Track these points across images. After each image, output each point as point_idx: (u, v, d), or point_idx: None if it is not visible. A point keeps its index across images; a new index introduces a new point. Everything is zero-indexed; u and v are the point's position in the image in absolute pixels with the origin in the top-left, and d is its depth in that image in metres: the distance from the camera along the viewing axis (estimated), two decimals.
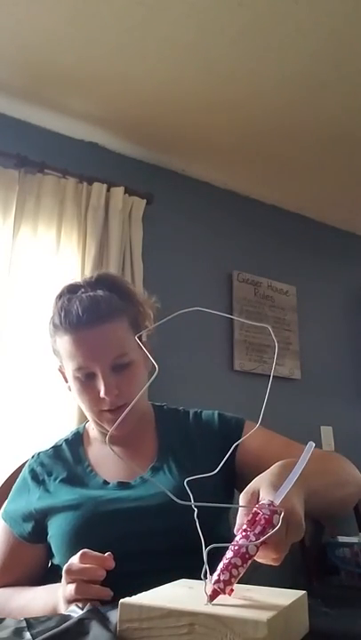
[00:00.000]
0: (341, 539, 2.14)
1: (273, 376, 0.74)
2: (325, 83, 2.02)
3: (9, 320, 1.89)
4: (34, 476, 0.99)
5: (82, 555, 0.73)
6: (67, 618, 0.67)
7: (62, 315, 0.91)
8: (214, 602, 0.54)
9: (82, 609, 0.69)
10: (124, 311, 0.93)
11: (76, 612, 0.69)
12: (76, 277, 0.99)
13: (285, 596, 0.58)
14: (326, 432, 2.70)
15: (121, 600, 0.56)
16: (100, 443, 1.02)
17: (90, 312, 0.88)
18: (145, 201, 2.30)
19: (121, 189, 2.22)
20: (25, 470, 1.02)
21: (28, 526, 0.93)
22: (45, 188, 2.08)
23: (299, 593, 0.60)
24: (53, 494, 0.93)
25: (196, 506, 0.60)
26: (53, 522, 0.90)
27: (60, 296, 0.98)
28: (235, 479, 0.94)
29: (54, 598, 0.78)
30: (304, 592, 0.61)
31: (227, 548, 0.58)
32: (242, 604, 0.55)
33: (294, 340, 2.73)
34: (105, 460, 0.98)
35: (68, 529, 0.87)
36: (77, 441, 1.03)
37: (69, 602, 0.72)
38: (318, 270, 3.00)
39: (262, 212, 2.88)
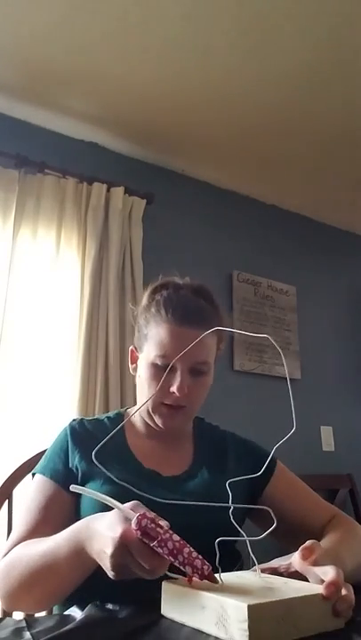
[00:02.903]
0: None
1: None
2: (326, 83, 2.02)
3: (9, 320, 1.89)
4: (74, 434, 0.99)
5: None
6: (67, 618, 0.67)
7: (170, 307, 0.96)
8: (230, 586, 0.63)
9: (82, 610, 0.69)
10: (217, 332, 0.99)
11: (76, 612, 0.69)
12: (173, 277, 1.02)
13: (304, 591, 0.61)
14: (326, 432, 2.70)
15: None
16: (139, 433, 1.04)
17: (195, 315, 0.95)
18: (145, 201, 2.30)
19: (121, 189, 2.22)
20: (65, 429, 1.02)
21: (66, 473, 0.94)
22: (45, 188, 2.08)
23: (315, 589, 0.62)
24: (91, 463, 0.93)
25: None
26: (89, 487, 0.90)
27: (163, 286, 1.03)
28: (252, 510, 1.01)
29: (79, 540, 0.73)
30: (320, 591, 0.61)
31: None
32: (252, 591, 0.61)
33: (294, 340, 2.73)
34: (140, 449, 1.00)
35: (104, 505, 0.87)
36: (118, 420, 1.05)
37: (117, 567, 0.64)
38: (318, 270, 3.00)
39: (262, 211, 2.88)
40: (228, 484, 0.83)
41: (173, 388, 0.92)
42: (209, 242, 2.62)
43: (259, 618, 0.54)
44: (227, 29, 1.77)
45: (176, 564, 0.61)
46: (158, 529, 0.61)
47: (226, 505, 0.77)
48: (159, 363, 0.94)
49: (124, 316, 2.09)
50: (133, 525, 0.61)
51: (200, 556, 0.62)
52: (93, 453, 0.72)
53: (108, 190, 2.21)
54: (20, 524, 0.90)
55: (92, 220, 2.13)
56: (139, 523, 0.61)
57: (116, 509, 0.67)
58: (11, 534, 0.91)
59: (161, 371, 0.94)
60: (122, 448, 0.99)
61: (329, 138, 2.35)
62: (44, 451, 1.25)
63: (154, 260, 2.29)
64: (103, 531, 0.67)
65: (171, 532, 0.62)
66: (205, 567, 0.62)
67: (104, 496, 0.68)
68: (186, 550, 0.62)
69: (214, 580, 0.62)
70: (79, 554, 0.73)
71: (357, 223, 3.14)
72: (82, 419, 1.04)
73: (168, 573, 0.65)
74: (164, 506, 0.74)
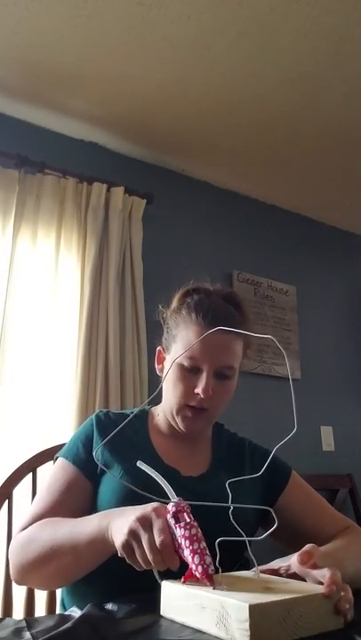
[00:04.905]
0: None
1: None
2: (326, 83, 2.02)
3: (9, 320, 1.89)
4: (100, 423, 1.01)
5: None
6: (67, 618, 0.67)
7: (200, 311, 0.99)
8: (230, 586, 0.63)
9: (81, 609, 0.69)
10: (244, 338, 1.02)
11: (75, 612, 0.69)
12: (200, 282, 1.05)
13: (305, 591, 0.61)
14: (326, 432, 2.70)
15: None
16: (162, 432, 1.06)
17: (224, 321, 0.96)
18: (145, 201, 2.30)
19: (121, 189, 2.22)
20: (92, 419, 1.04)
21: (88, 459, 0.95)
22: (45, 187, 2.07)
23: (316, 589, 0.62)
24: (113, 453, 0.96)
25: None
26: (107, 478, 0.93)
27: (195, 290, 1.06)
28: (265, 520, 1.02)
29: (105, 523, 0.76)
30: (320, 591, 0.62)
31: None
32: (253, 591, 0.61)
33: (294, 340, 2.73)
34: (162, 446, 1.02)
35: (122, 495, 0.89)
36: (143, 417, 1.08)
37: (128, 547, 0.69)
38: (318, 270, 3.00)
39: (262, 211, 2.88)
40: (243, 490, 0.85)
41: (198, 390, 0.94)
42: (209, 242, 2.61)
43: (260, 618, 0.54)
44: (227, 29, 1.77)
45: (188, 550, 0.64)
46: (191, 516, 0.67)
47: (226, 505, 0.77)
48: (185, 363, 0.96)
49: (123, 315, 2.09)
50: (172, 503, 0.67)
51: (210, 556, 0.65)
52: (103, 443, 0.79)
53: (108, 190, 2.21)
54: (39, 502, 0.94)
55: (91, 219, 2.13)
56: (178, 503, 0.67)
57: (154, 503, 0.72)
58: (28, 511, 0.94)
59: (186, 372, 0.96)
60: (145, 443, 1.01)
61: (329, 138, 2.35)
62: (44, 451, 1.25)
63: (154, 260, 2.30)
64: (135, 510, 0.71)
65: (197, 525, 0.67)
66: (211, 568, 0.64)
67: (160, 476, 0.72)
68: (203, 543, 0.65)
69: (211, 583, 0.63)
70: (102, 533, 0.76)
71: (357, 223, 3.14)
72: (108, 411, 1.07)
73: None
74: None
